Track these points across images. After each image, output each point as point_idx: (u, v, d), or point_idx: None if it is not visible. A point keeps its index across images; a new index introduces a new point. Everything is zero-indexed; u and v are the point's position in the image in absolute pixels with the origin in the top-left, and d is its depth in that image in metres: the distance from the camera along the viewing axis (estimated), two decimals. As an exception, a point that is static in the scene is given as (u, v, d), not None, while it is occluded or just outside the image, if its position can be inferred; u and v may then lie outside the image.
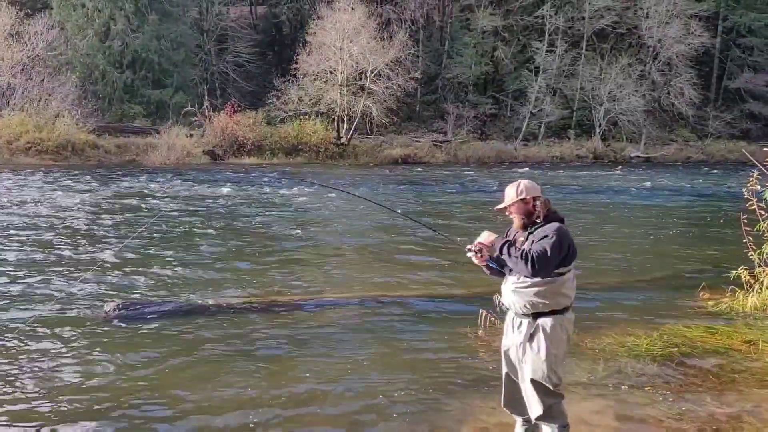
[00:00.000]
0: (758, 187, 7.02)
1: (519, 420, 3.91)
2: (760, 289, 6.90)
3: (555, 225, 3.56)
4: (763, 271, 7.00)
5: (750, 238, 7.10)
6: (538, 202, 3.64)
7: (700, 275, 8.21)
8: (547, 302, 3.52)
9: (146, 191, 18.77)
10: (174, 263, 9.12)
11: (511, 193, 3.70)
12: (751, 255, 7.11)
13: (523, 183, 3.72)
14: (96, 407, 4.45)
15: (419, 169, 31.11)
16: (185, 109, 34.50)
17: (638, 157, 39.65)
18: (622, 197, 19.58)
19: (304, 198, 17.85)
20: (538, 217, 3.64)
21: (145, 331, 6.08)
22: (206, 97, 35.40)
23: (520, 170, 29.88)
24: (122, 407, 4.45)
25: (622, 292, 7.55)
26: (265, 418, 4.31)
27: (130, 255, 9.57)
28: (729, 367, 5.20)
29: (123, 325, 6.23)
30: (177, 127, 32.29)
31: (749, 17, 45.06)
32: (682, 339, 5.84)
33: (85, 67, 35.12)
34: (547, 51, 40.71)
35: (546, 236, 3.47)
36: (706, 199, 19.58)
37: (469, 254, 3.65)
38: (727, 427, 4.10)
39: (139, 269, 8.65)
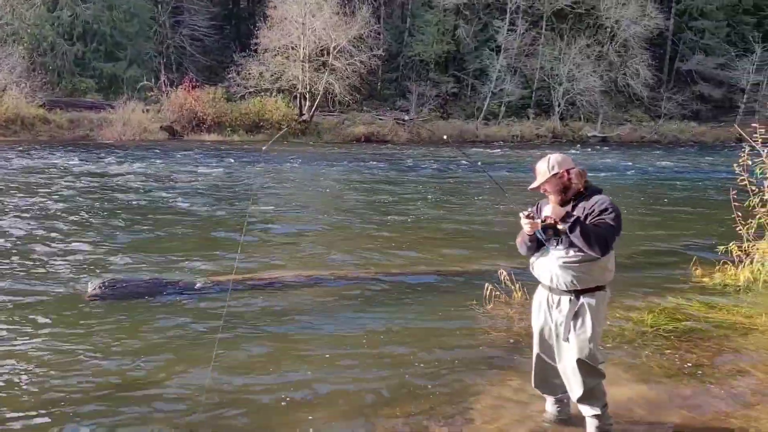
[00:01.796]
0: (749, 162, 7.10)
1: (550, 399, 3.84)
2: (751, 263, 7.03)
3: (605, 197, 3.45)
4: (753, 245, 7.14)
5: (738, 213, 7.21)
6: (572, 174, 3.48)
7: (689, 251, 8.35)
8: (595, 277, 3.42)
9: (107, 167, 18.09)
10: (150, 241, 8.79)
11: (542, 169, 3.50)
12: (740, 230, 7.23)
13: (552, 157, 3.53)
14: (85, 388, 4.21)
15: (384, 147, 30.93)
16: (141, 84, 33.33)
17: (595, 136, 40.36)
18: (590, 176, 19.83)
19: (270, 173, 17.50)
20: (578, 188, 3.50)
21: (132, 310, 5.80)
22: (162, 72, 34.23)
23: (485, 152, 30.09)
24: (111, 389, 4.21)
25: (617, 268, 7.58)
26: (263, 399, 4.12)
27: (101, 234, 9.17)
28: (736, 341, 5.27)
29: (109, 303, 5.93)
30: (132, 102, 31.18)
31: (702, 0, 46.11)
32: (683, 314, 5.89)
33: (32, 38, 33.46)
34: (508, 30, 40.82)
35: (606, 210, 3.34)
36: (673, 178, 20.07)
37: (524, 221, 3.42)
38: (755, 399, 4.14)
39: (114, 247, 8.29)
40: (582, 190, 3.50)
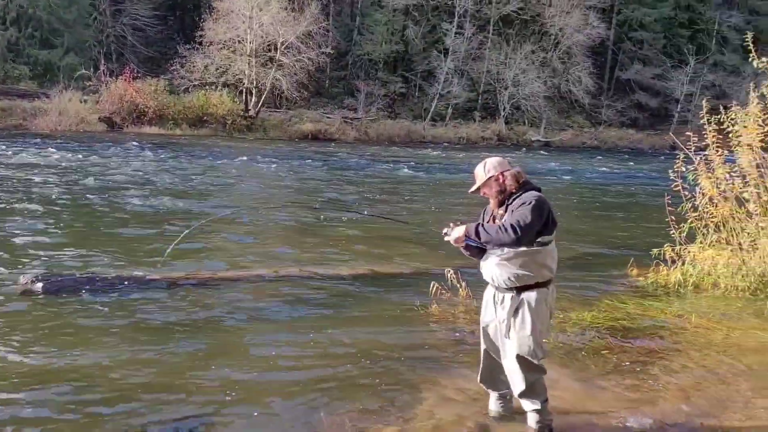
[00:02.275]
0: (683, 169, 7.38)
1: (494, 395, 3.91)
2: (682, 264, 7.32)
3: (533, 193, 3.55)
4: (685, 248, 7.43)
5: (672, 217, 7.49)
6: (507, 175, 3.60)
7: (626, 252, 8.61)
8: (532, 274, 3.49)
9: (41, 158, 17.35)
10: (83, 236, 8.49)
11: (479, 173, 3.65)
12: (673, 233, 7.51)
13: (489, 161, 3.67)
14: (14, 391, 4.00)
15: (331, 145, 30.81)
16: (79, 73, 32.11)
17: (539, 141, 41.29)
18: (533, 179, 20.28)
19: (212, 169, 17.19)
20: (511, 190, 3.60)
21: (65, 305, 5.58)
22: (102, 61, 33.10)
23: (432, 153, 30.40)
24: (43, 388, 4.03)
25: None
26: (202, 399, 4.01)
27: (32, 228, 8.78)
28: (670, 338, 5.48)
29: (42, 299, 5.68)
30: (69, 91, 30.01)
31: (641, 12, 47.87)
32: (620, 313, 6.09)
33: (-39, 22, 31.81)
34: (456, 33, 41.31)
35: (524, 203, 3.44)
36: (612, 183, 20.73)
37: (447, 238, 3.61)
38: (689, 394, 4.31)
39: (46, 242, 7.97)
40: (515, 190, 3.58)
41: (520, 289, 3.51)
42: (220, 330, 5.31)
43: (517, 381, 3.56)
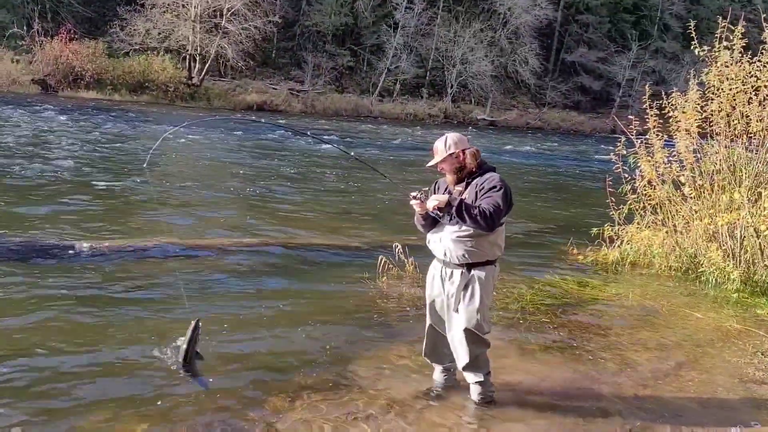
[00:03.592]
0: (624, 152, 7.61)
1: (438, 368, 3.99)
2: (620, 245, 7.59)
3: (496, 175, 3.59)
4: (623, 228, 7.70)
5: (612, 198, 7.73)
6: (467, 154, 3.62)
7: (566, 232, 8.85)
8: (485, 252, 3.55)
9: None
10: (19, 203, 8.12)
11: (439, 149, 3.65)
12: (613, 214, 7.77)
13: (450, 137, 3.67)
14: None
15: (278, 117, 30.29)
16: (11, 31, 30.40)
17: (484, 120, 41.80)
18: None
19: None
20: (471, 168, 3.62)
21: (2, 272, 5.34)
22: (36, 20, 31.39)
23: (379, 127, 30.29)
24: None
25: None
26: (144, 372, 3.91)
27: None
28: (605, 315, 5.69)
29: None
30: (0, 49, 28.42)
31: (587, -5, 48.75)
32: (560, 290, 6.28)
33: None
34: (406, 8, 41.08)
35: (493, 187, 3.46)
36: (554, 164, 21.19)
37: (413, 202, 3.58)
38: (619, 368, 4.49)
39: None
40: (475, 169, 3.61)
41: (470, 266, 3.56)
42: (159, 306, 5.16)
43: (462, 354, 3.63)
